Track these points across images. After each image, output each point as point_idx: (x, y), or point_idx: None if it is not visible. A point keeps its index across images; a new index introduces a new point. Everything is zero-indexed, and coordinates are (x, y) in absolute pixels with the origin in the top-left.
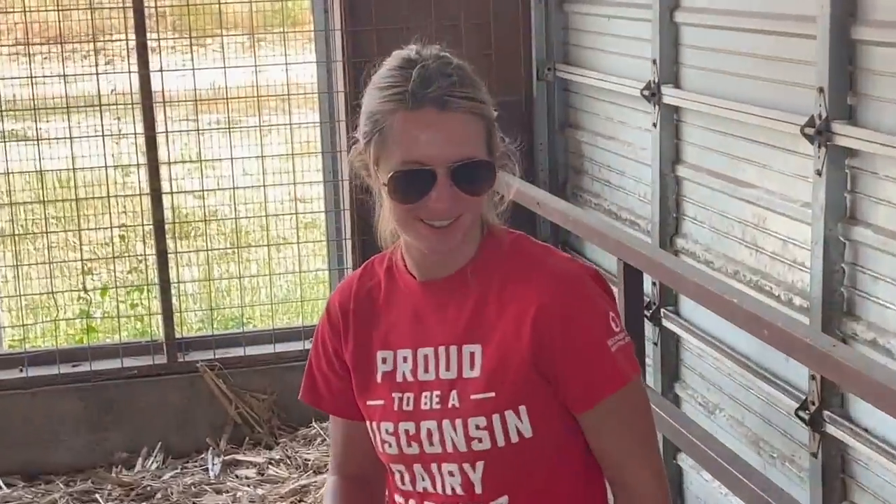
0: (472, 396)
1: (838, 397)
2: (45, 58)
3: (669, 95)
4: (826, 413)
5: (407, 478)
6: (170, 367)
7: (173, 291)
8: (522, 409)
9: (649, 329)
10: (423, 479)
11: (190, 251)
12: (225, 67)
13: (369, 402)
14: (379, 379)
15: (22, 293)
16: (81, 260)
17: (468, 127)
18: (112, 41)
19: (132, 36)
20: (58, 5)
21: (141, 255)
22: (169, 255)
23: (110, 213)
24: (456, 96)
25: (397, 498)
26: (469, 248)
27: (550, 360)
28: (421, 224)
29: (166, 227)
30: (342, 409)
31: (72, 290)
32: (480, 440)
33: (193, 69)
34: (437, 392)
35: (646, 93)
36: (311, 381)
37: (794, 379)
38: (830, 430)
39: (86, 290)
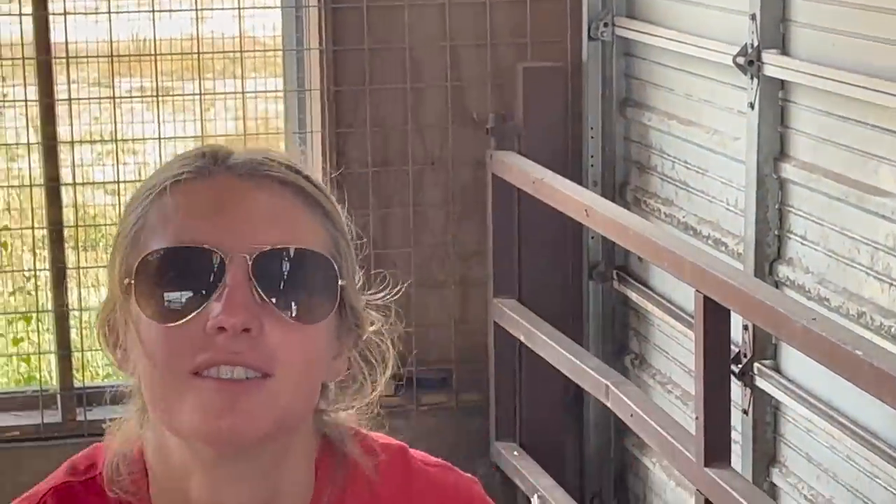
0: None
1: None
2: None
3: (773, 65)
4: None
5: None
6: (66, 427)
7: (73, 322)
8: None
9: (737, 392)
10: None
11: (99, 266)
12: (154, 11)
13: None
14: None
15: None
16: None
17: (294, 207)
18: None
19: None
20: None
21: (29, 270)
22: (68, 272)
23: None
24: (275, 162)
25: None
26: (303, 470)
27: None
28: (195, 380)
29: (66, 232)
30: None
31: None
32: None
33: (110, 12)
34: None
35: (740, 60)
36: None
37: None
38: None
39: None
